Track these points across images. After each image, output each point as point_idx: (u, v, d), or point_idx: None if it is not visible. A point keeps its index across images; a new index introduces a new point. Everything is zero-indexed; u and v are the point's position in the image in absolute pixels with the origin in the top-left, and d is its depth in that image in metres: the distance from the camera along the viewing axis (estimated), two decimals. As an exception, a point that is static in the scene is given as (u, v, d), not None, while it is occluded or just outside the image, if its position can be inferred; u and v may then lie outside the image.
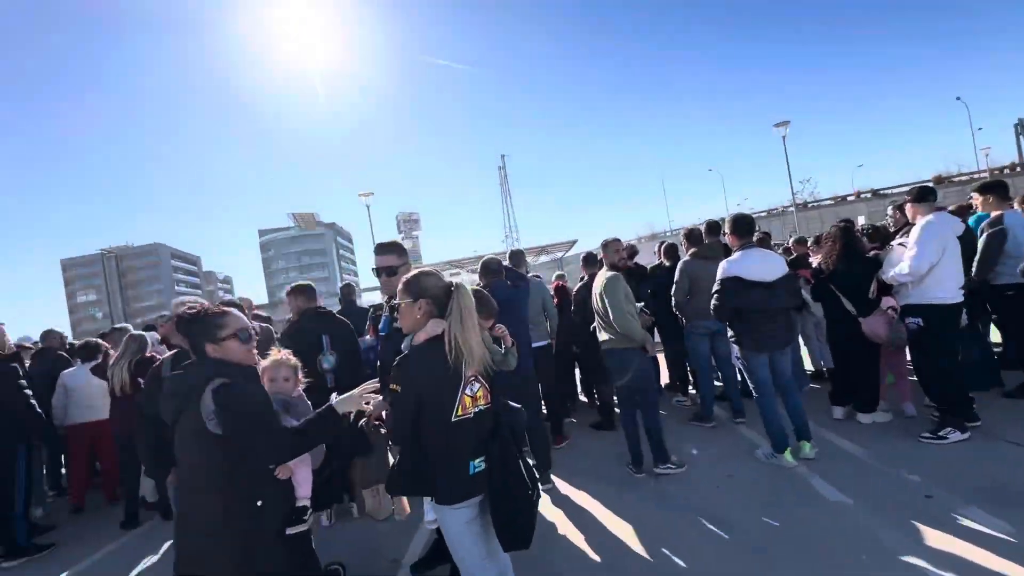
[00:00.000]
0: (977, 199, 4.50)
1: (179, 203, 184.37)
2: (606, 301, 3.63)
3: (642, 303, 3.98)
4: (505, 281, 3.80)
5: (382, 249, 2.65)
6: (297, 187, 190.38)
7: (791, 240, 6.81)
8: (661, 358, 5.76)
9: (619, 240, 4.25)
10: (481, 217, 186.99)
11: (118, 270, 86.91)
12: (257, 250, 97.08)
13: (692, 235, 4.88)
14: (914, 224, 3.87)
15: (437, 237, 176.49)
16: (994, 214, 4.29)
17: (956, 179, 40.34)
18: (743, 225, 3.75)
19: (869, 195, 43.33)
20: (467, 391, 1.75)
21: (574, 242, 28.65)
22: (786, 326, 3.62)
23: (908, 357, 4.32)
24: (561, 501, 3.66)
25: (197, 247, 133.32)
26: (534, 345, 4.25)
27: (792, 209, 41.34)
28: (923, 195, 3.85)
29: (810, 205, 44.16)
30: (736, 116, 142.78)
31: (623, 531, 3.10)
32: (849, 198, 45.18)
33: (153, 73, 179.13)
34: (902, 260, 3.75)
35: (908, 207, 3.93)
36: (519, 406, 2.01)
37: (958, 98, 43.89)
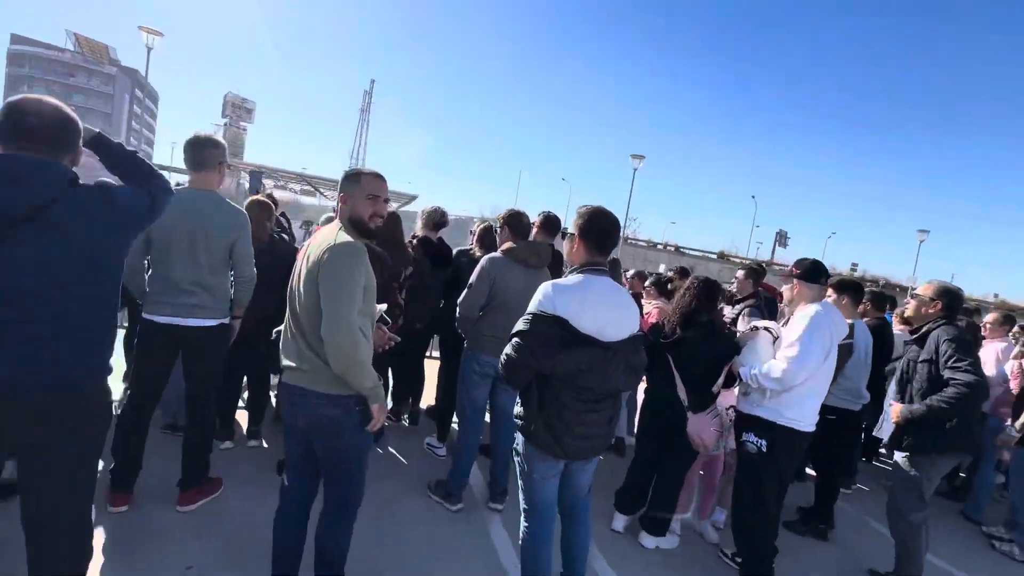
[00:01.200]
0: (832, 295, 3.66)
1: None
2: (324, 288, 1.72)
3: (386, 305, 2.19)
4: None
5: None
6: (105, 18, 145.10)
7: (630, 272, 5.45)
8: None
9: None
10: (326, 139, 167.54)
11: None
12: (2, 59, 70.31)
13: (514, 223, 3.13)
14: (788, 307, 2.85)
15: (268, 137, 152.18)
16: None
17: (732, 259, 48.56)
18: (599, 232, 2.10)
19: (672, 249, 49.09)
20: None
21: (414, 197, 26.05)
22: (610, 418, 2.10)
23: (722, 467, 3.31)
24: None
25: None
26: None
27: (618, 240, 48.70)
28: (816, 273, 2.74)
29: (628, 241, 48.37)
30: (594, 140, 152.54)
31: None
32: (658, 246, 50.75)
33: None
34: (773, 356, 2.62)
35: (793, 285, 2.77)
36: None
37: (752, 196, 55.01)
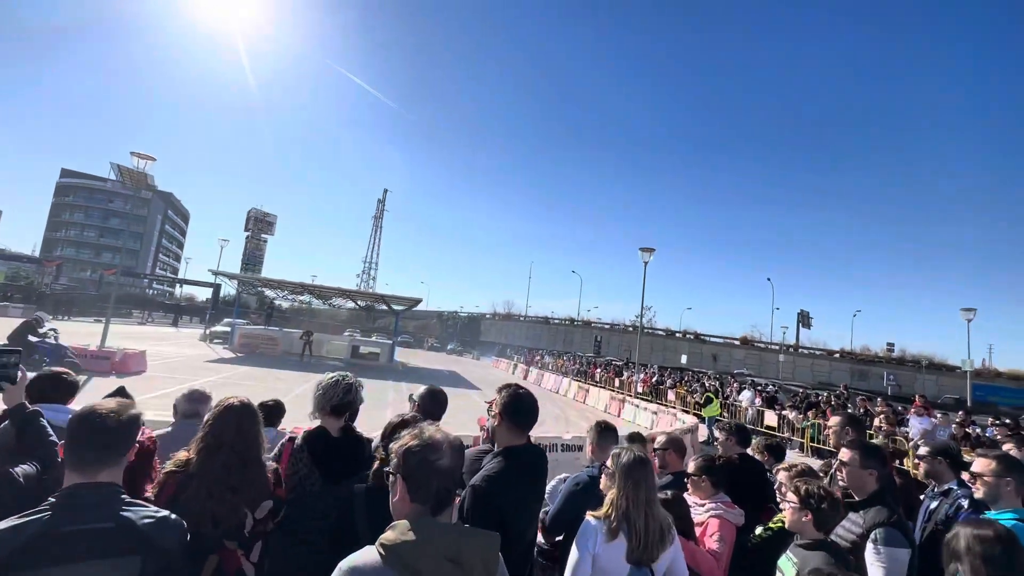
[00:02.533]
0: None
1: None
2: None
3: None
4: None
5: None
6: (140, 144, 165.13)
7: (659, 442, 3.35)
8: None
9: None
10: (341, 246, 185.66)
11: None
12: (51, 190, 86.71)
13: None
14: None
15: (287, 251, 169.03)
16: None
17: (756, 343, 49.35)
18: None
19: (692, 337, 50.48)
20: None
21: (418, 301, 29.41)
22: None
23: None
24: None
25: None
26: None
27: (631, 330, 46.52)
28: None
29: (646, 331, 47.63)
30: (607, 230, 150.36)
31: None
32: (677, 335, 52.23)
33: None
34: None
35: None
36: None
37: (768, 279, 51.06)
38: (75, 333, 18.20)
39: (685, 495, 2.78)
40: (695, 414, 16.47)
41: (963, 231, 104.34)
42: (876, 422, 11.15)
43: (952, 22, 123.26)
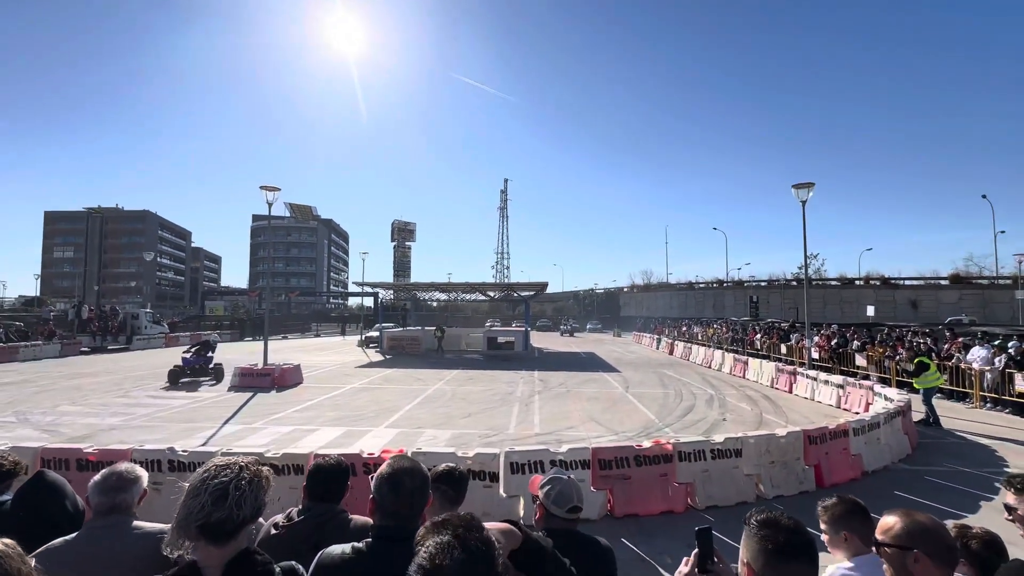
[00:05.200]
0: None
1: (178, 175, 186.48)
2: None
3: None
4: None
5: None
6: (300, 180, 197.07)
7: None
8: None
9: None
10: (475, 239, 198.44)
11: (102, 232, 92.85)
12: (248, 235, 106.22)
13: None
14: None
15: (429, 251, 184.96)
16: None
17: (976, 280, 37.40)
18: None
19: (879, 283, 39.56)
20: None
21: (544, 285, 29.35)
22: None
23: None
24: None
25: (190, 223, 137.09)
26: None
27: (795, 284, 39.89)
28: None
29: (814, 283, 39.08)
30: (747, 179, 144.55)
31: None
32: (857, 282, 41.11)
33: (175, 47, 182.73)
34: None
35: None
36: None
37: (984, 196, 40.52)
38: (254, 352, 21.01)
39: None
40: (902, 383, 12.91)
41: None
42: None
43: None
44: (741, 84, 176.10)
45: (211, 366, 15.57)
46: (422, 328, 30.96)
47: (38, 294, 67.15)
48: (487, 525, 0.97)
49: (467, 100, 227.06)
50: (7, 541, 1.22)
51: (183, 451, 5.44)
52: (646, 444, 5.93)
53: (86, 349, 26.81)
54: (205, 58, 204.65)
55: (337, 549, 1.52)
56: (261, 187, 16.73)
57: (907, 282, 39.27)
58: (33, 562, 1.29)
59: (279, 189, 16.79)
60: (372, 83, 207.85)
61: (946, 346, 14.17)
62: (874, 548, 1.58)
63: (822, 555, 1.34)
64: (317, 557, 1.52)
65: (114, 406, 11.82)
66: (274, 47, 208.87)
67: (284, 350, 27.33)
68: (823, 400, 12.42)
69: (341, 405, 12.13)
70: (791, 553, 1.31)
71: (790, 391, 14.03)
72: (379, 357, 24.61)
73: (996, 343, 12.95)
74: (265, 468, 1.53)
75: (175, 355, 17.86)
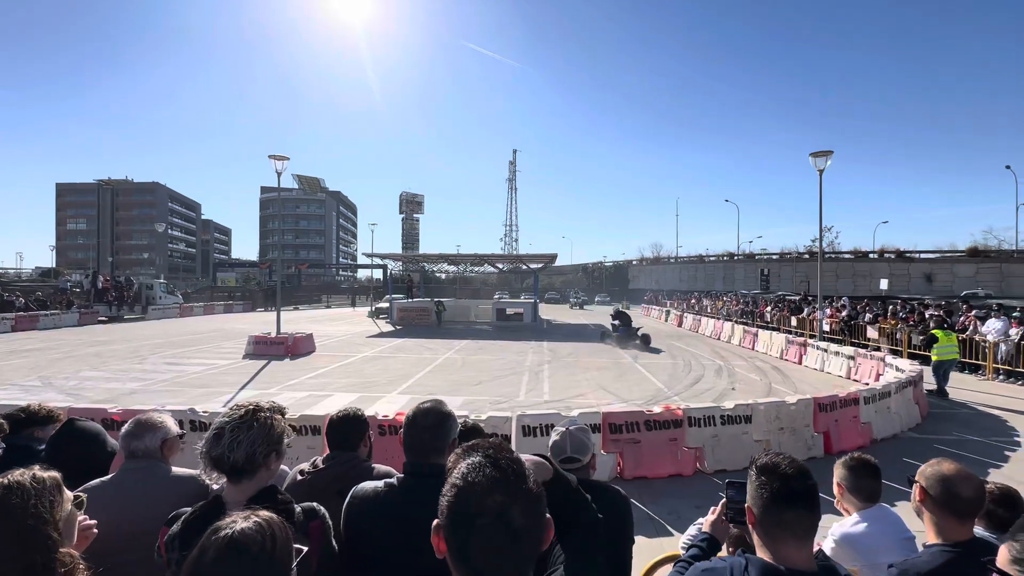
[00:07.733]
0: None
1: (188, 147, 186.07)
2: None
3: None
4: None
5: None
6: (308, 152, 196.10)
7: None
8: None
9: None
10: (483, 210, 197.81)
11: (113, 203, 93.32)
12: (257, 207, 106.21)
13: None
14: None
15: (438, 224, 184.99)
16: None
17: (994, 253, 35.75)
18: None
19: (893, 256, 38.30)
20: None
21: (553, 257, 29.07)
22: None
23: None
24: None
25: (200, 195, 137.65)
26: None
27: (807, 257, 39.22)
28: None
29: (828, 256, 37.72)
30: (759, 151, 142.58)
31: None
32: (871, 255, 39.72)
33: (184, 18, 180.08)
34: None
35: None
36: None
37: (1008, 167, 39.14)
38: (267, 321, 21.32)
39: None
40: (914, 355, 12.84)
41: None
42: None
43: None
44: (755, 56, 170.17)
45: None
46: (432, 300, 31.18)
47: (54, 265, 68.50)
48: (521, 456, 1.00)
49: (477, 69, 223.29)
50: (40, 475, 1.22)
51: (204, 411, 5.59)
52: (656, 409, 5.99)
53: (103, 318, 27.41)
54: (211, 28, 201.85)
55: (370, 485, 1.59)
56: (270, 156, 16.66)
57: (922, 255, 38.10)
58: (74, 495, 1.35)
59: (288, 158, 16.70)
60: (381, 52, 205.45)
61: (961, 318, 14.01)
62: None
63: (823, 518, 1.35)
64: (351, 492, 1.57)
65: (134, 372, 12.12)
66: (283, 17, 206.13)
67: (296, 320, 27.72)
68: (833, 371, 12.42)
69: (353, 372, 12.34)
70: (788, 499, 1.27)
71: (800, 363, 14.02)
72: (389, 328, 24.86)
73: (1015, 315, 12.76)
74: (277, 416, 1.58)
75: (190, 325, 18.13)
